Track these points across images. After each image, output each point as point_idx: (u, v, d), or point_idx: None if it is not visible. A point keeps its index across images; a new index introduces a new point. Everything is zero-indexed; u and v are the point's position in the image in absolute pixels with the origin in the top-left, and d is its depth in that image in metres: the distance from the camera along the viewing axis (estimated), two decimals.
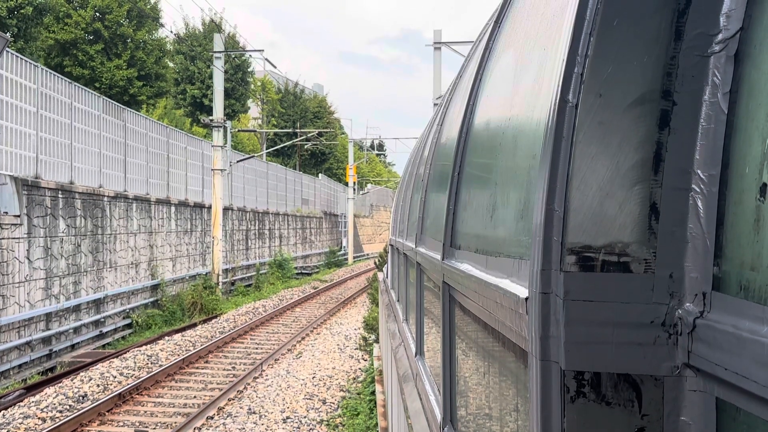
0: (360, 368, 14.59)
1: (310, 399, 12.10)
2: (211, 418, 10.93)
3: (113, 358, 14.84)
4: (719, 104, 1.03)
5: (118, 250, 19.00)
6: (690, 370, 1.02)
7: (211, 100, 32.54)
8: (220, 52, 24.63)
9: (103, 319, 17.78)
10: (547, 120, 1.19)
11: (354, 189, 51.63)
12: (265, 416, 11.01)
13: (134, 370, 13.67)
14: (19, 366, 14.02)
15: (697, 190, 1.04)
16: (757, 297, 0.88)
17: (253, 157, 32.07)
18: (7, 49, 14.60)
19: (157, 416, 11.04)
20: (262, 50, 25.61)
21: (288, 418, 10.95)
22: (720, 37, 1.03)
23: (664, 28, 1.06)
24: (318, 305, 25.11)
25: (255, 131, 39.35)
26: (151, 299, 20.89)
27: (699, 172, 1.04)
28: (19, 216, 14.26)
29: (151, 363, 14.39)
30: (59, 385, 12.31)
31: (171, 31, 27.16)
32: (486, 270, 1.84)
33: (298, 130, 43.19)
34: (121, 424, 10.54)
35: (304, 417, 11.03)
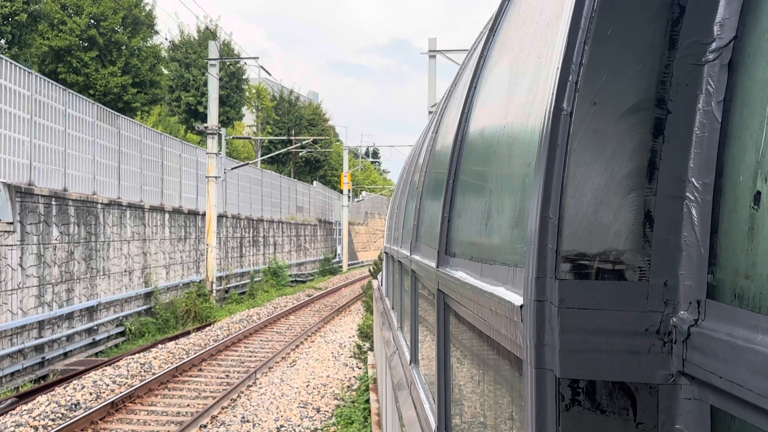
0: (354, 376, 14.55)
1: (303, 407, 12.06)
2: (204, 426, 10.87)
3: (106, 366, 14.76)
4: (713, 113, 1.03)
5: (111, 258, 18.93)
6: (685, 378, 1.02)
7: (205, 108, 32.53)
8: (215, 59, 24.63)
9: (96, 327, 17.69)
10: (542, 128, 1.19)
11: (349, 196, 51.61)
12: (259, 425, 10.96)
13: (127, 379, 13.59)
14: (12, 374, 13.93)
15: (692, 198, 1.04)
16: (751, 305, 0.88)
17: (247, 164, 32.05)
18: (0, 55, 14.57)
19: (150, 425, 10.97)
20: (257, 57, 25.65)
21: (282, 426, 10.91)
22: (714, 45, 1.03)
23: (659, 37, 1.07)
24: (312, 313, 25.06)
25: (250, 138, 39.37)
26: (145, 307, 20.80)
27: (693, 180, 1.04)
28: (12, 223, 14.20)
29: (144, 371, 14.32)
30: (51, 393, 12.23)
31: (166, 39, 27.20)
32: (481, 278, 1.84)
33: (292, 138, 43.20)
34: None
35: (298, 425, 10.99)
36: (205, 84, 34.33)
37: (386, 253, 10.60)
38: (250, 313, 23.43)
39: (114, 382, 13.18)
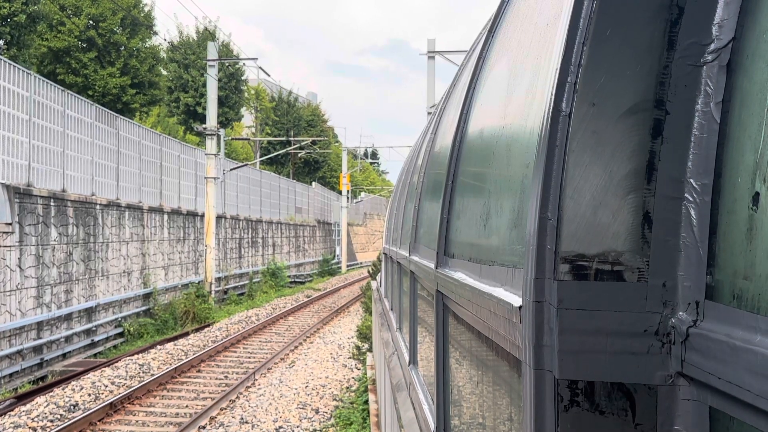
0: (353, 377, 14.54)
1: (302, 408, 12.05)
2: (203, 428, 10.86)
3: (105, 367, 14.74)
4: (712, 114, 1.03)
5: (110, 259, 18.92)
6: (683, 379, 1.02)
7: (204, 108, 32.52)
8: (213, 60, 24.61)
9: (94, 328, 17.67)
10: (541, 129, 1.19)
11: (348, 197, 51.60)
12: (258, 426, 10.96)
13: (126, 380, 13.58)
14: (10, 375, 13.91)
15: (690, 199, 1.04)
16: (750, 306, 0.88)
17: (246, 165, 32.04)
18: None
19: (148, 426, 10.96)
20: (256, 58, 25.67)
21: (280, 427, 10.90)
22: (713, 47, 1.03)
23: (657, 38, 1.07)
24: (311, 314, 25.04)
25: (248, 139, 39.36)
26: (143, 308, 20.78)
27: (692, 181, 1.04)
28: (10, 224, 14.19)
29: (143, 372, 14.31)
30: (50, 394, 12.21)
31: (165, 39, 27.17)
32: (480, 278, 1.84)
33: (291, 139, 43.20)
34: None
35: (297, 426, 10.98)
36: (204, 85, 34.32)
37: (385, 254, 10.60)
38: (248, 314, 23.42)
39: (113, 383, 13.16)
